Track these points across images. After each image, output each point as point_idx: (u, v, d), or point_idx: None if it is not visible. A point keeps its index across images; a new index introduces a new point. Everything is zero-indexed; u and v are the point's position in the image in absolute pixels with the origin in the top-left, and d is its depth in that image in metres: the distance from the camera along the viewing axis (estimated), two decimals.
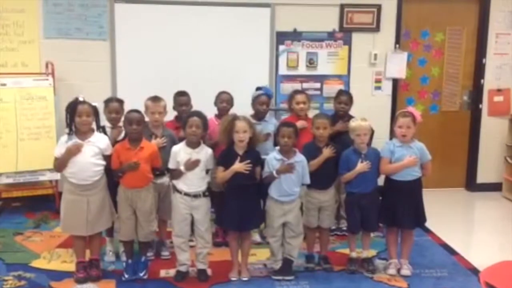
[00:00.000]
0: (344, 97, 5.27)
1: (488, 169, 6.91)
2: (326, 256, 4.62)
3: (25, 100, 5.59)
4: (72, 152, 4.05)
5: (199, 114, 4.24)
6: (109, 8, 5.98)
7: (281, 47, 6.32)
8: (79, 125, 4.09)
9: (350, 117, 4.78)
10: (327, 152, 4.37)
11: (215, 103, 5.03)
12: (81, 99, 4.14)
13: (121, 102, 4.66)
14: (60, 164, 4.11)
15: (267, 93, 5.12)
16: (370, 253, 4.64)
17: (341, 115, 5.15)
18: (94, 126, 4.22)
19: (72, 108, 4.09)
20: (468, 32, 6.71)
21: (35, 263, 4.55)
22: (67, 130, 4.15)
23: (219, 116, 4.92)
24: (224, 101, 4.99)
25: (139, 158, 4.15)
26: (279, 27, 6.27)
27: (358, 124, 4.35)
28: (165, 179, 4.55)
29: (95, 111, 4.18)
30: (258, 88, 5.13)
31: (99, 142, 4.16)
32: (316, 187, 4.41)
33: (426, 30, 6.66)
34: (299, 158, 4.26)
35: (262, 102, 5.03)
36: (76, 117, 4.07)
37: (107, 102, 4.64)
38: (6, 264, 4.52)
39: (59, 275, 4.33)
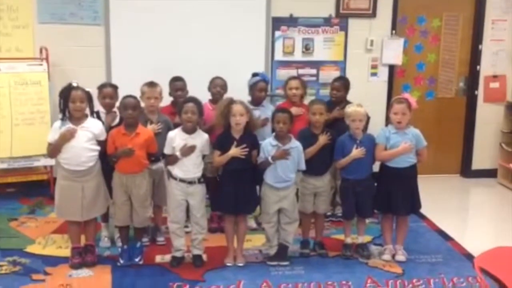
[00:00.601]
0: (337, 84, 5.25)
1: (483, 155, 6.92)
2: (321, 241, 4.63)
3: (19, 85, 5.55)
4: (66, 137, 4.03)
5: (194, 100, 4.22)
6: None
7: (277, 33, 6.28)
8: (73, 111, 4.07)
9: (347, 103, 4.76)
10: (323, 139, 4.36)
11: (209, 89, 5.00)
12: (74, 84, 4.11)
13: (115, 87, 4.63)
14: (54, 149, 4.10)
15: (264, 79, 5.09)
16: (365, 239, 4.64)
17: (334, 101, 5.14)
18: (88, 111, 4.20)
19: (66, 94, 4.07)
20: (464, 18, 6.69)
21: (30, 249, 4.56)
22: (60, 116, 4.13)
23: (213, 101, 4.90)
24: (217, 86, 4.96)
25: (134, 144, 4.13)
26: (275, 12, 6.23)
27: (354, 109, 4.34)
28: (160, 165, 4.54)
29: (88, 96, 4.15)
30: (254, 74, 5.10)
31: (93, 127, 4.14)
32: (311, 173, 4.40)
33: (423, 16, 6.63)
34: (295, 144, 4.25)
35: (260, 88, 4.99)
36: (69, 103, 4.04)
37: (101, 87, 4.61)
38: (1, 250, 4.51)
39: (54, 261, 4.33)
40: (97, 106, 4.48)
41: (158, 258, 4.44)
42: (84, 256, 4.26)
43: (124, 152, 4.12)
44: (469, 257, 4.51)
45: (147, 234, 4.66)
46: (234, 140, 4.17)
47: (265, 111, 4.94)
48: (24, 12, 5.86)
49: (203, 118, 4.38)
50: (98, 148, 4.16)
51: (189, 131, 4.20)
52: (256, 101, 4.98)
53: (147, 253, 4.47)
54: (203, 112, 4.31)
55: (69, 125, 4.06)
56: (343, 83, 5.25)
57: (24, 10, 5.85)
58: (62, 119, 4.10)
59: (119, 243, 4.45)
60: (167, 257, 4.40)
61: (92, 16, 5.95)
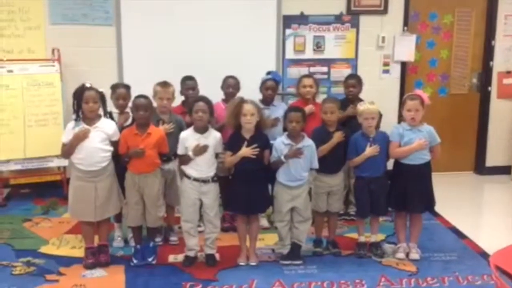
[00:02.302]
0: (352, 81, 5.23)
1: (497, 152, 6.87)
2: (335, 240, 4.61)
3: (32, 86, 5.59)
4: (80, 137, 4.05)
5: (204, 99, 4.22)
6: None
7: (288, 31, 6.26)
8: (86, 111, 4.08)
9: (360, 100, 4.73)
10: (337, 137, 4.35)
11: (222, 88, 5.00)
12: (87, 85, 4.13)
13: (128, 88, 4.65)
14: (68, 150, 4.11)
15: (275, 78, 5.08)
16: (379, 237, 4.62)
17: (351, 99, 5.12)
18: (101, 111, 4.21)
19: (79, 94, 4.08)
20: (477, 14, 6.63)
21: (44, 249, 4.58)
22: (74, 116, 4.15)
23: (226, 100, 4.90)
24: (230, 86, 4.96)
25: (146, 144, 4.14)
26: (286, 10, 6.21)
27: (366, 107, 4.32)
28: (171, 165, 4.54)
29: (101, 97, 4.17)
30: (268, 73, 5.10)
31: (106, 127, 4.16)
32: (325, 172, 4.39)
33: (435, 12, 6.58)
34: (308, 142, 4.23)
35: (267, 87, 4.99)
36: (83, 103, 4.06)
37: (114, 88, 4.63)
38: (15, 250, 4.54)
39: (68, 261, 4.35)
40: (110, 107, 4.49)
41: (171, 258, 4.45)
42: (98, 256, 4.28)
43: (136, 153, 4.13)
44: (484, 255, 4.47)
45: (160, 234, 4.67)
46: (245, 140, 4.16)
47: (276, 110, 4.94)
48: (36, 14, 5.89)
49: (214, 117, 4.38)
50: (111, 148, 4.17)
51: (201, 130, 4.20)
52: (266, 100, 4.97)
53: (160, 253, 4.48)
54: (214, 111, 4.30)
55: (82, 126, 4.08)
56: (357, 80, 5.24)
57: (35, 11, 5.89)
58: (76, 120, 4.12)
59: (132, 243, 4.46)
60: (180, 257, 4.41)
61: (104, 16, 5.97)
